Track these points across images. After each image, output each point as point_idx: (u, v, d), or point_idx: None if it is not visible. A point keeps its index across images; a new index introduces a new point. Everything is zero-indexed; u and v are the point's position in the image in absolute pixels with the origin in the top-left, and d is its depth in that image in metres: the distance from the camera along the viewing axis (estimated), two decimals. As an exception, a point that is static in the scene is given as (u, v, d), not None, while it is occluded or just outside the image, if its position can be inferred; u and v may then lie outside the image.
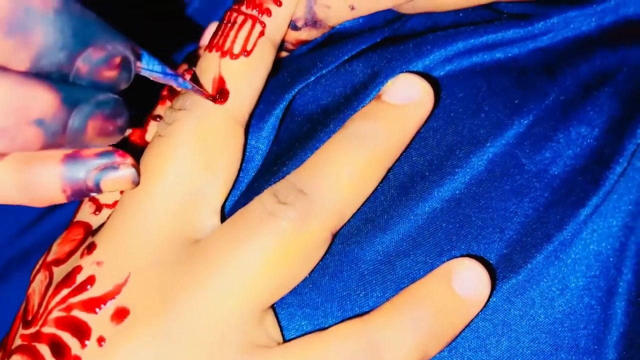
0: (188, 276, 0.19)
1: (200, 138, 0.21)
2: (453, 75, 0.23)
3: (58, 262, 0.21)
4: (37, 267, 0.22)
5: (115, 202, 0.23)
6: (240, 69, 0.21)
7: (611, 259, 0.21)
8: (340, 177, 0.20)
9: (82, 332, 0.19)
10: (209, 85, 0.21)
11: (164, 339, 0.19)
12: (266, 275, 0.19)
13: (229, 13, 0.22)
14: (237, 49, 0.22)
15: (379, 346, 0.18)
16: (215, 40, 0.22)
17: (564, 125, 0.22)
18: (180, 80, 0.21)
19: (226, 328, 0.19)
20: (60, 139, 0.18)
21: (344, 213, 0.20)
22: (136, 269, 0.20)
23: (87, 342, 0.19)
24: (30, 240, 0.32)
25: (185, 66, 0.26)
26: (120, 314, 0.19)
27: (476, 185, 0.22)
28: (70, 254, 0.21)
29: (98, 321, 0.19)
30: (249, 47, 0.22)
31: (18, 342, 0.20)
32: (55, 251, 0.22)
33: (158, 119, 0.24)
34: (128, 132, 0.24)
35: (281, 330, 0.20)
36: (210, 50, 0.22)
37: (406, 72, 0.22)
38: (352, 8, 0.22)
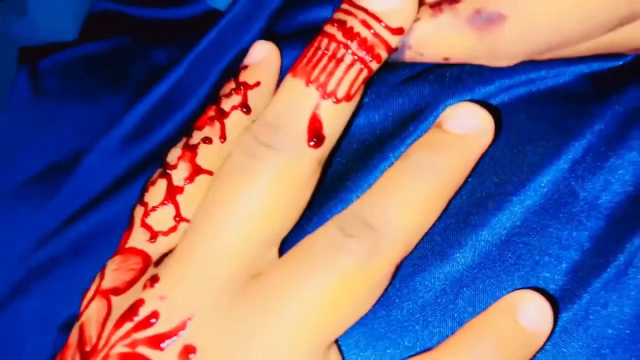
0: (254, 313, 0.19)
1: (285, 183, 0.20)
2: (508, 103, 0.23)
3: (117, 291, 0.21)
4: (91, 293, 0.22)
5: (170, 230, 0.23)
6: (340, 115, 0.20)
7: None
8: (406, 209, 0.19)
9: None
10: (298, 121, 0.20)
11: None
12: (332, 311, 0.19)
13: (327, 40, 0.20)
14: (341, 94, 0.20)
15: None
16: (314, 73, 0.20)
17: (615, 152, 0.22)
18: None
19: None
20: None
21: (409, 245, 0.20)
22: (201, 306, 0.19)
23: None
24: (53, 250, 0.32)
25: (231, 84, 0.25)
26: (188, 352, 0.19)
27: (533, 213, 0.22)
28: (130, 283, 0.21)
29: (165, 358, 0.19)
30: (352, 93, 0.20)
31: None
32: (112, 278, 0.21)
33: (208, 142, 0.23)
34: (177, 153, 0.23)
35: (344, 363, 0.20)
36: (307, 82, 0.20)
37: (466, 100, 0.22)
38: (446, 59, 0.22)
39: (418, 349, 0.21)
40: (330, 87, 0.20)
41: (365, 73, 0.20)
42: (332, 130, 0.20)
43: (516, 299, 0.20)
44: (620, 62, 0.24)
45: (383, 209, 0.19)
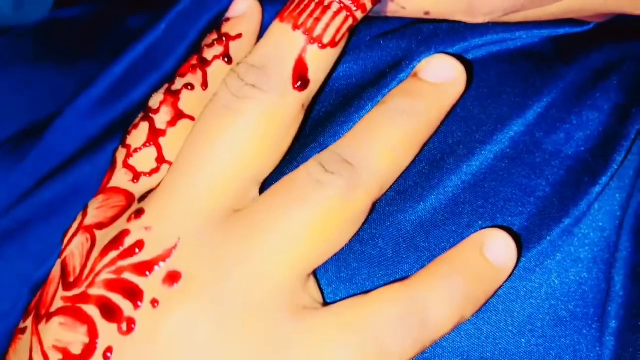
0: (237, 242, 0.20)
1: (269, 124, 0.21)
2: (481, 59, 0.24)
3: (101, 225, 0.21)
4: (72, 230, 0.22)
5: (152, 171, 0.23)
6: (325, 60, 0.21)
7: (612, 236, 0.23)
8: (383, 149, 0.21)
9: (134, 294, 0.19)
10: (284, 63, 0.21)
11: (217, 302, 0.19)
12: (313, 241, 0.20)
13: None
14: (327, 39, 0.21)
15: (424, 309, 0.19)
16: (301, 19, 0.21)
17: (577, 109, 0.24)
18: None
19: (276, 291, 0.20)
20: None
21: (385, 184, 0.21)
22: (185, 235, 0.20)
23: (139, 303, 0.19)
24: (25, 212, 0.32)
25: (214, 35, 0.25)
26: (173, 277, 0.19)
27: (500, 161, 0.23)
28: (114, 219, 0.21)
29: (150, 284, 0.19)
30: (337, 39, 0.21)
31: (59, 303, 0.20)
32: (95, 215, 0.22)
33: (190, 88, 0.24)
34: (160, 98, 0.24)
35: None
36: (294, 27, 0.21)
37: (441, 52, 0.23)
38: (427, 13, 0.23)
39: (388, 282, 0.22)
40: (317, 32, 0.21)
41: (350, 21, 0.21)
42: (317, 74, 0.21)
43: (483, 236, 0.21)
44: (584, 28, 0.25)
45: (361, 148, 0.20)
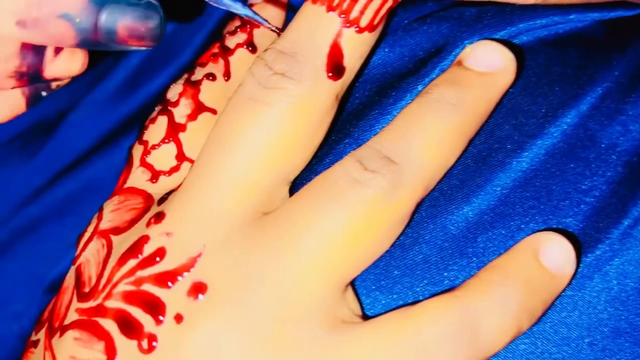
0: (268, 249, 0.18)
1: (300, 117, 0.19)
2: (528, 45, 0.22)
3: (117, 230, 0.20)
4: (87, 235, 0.21)
5: (172, 169, 0.21)
6: (362, 46, 0.19)
7: None
8: (428, 146, 0.19)
9: (155, 308, 0.18)
10: (317, 49, 0.19)
11: (247, 316, 0.17)
12: (351, 247, 0.18)
13: None
14: (364, 22, 0.19)
15: (476, 323, 0.18)
16: None
17: (632, 99, 0.22)
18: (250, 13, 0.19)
19: (310, 304, 0.18)
20: (92, 36, 0.19)
21: (430, 183, 0.19)
22: (210, 241, 0.18)
23: (161, 317, 0.18)
24: (38, 209, 0.30)
25: (237, 22, 0.23)
26: (198, 289, 0.18)
27: (552, 156, 0.21)
28: (132, 222, 0.20)
29: (173, 297, 0.18)
30: (375, 22, 0.19)
31: (74, 316, 0.19)
32: (111, 219, 0.20)
33: (211, 79, 0.22)
34: (179, 89, 0.22)
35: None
36: (329, 8, 0.19)
37: (486, 39, 0.21)
38: None
39: (435, 292, 0.20)
40: (354, 14, 0.19)
41: (390, 2, 0.19)
42: (352, 61, 0.19)
43: (538, 240, 0.19)
44: (634, 13, 0.23)
45: (404, 144, 0.19)
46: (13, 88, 0.21)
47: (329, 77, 0.19)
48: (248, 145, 0.19)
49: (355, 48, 0.19)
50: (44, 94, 0.22)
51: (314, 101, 0.19)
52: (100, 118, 0.31)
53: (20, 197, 0.30)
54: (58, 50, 0.21)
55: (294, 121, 0.19)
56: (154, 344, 0.18)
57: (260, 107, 0.19)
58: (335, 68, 0.19)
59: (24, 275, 0.30)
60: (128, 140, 0.30)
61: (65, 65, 0.21)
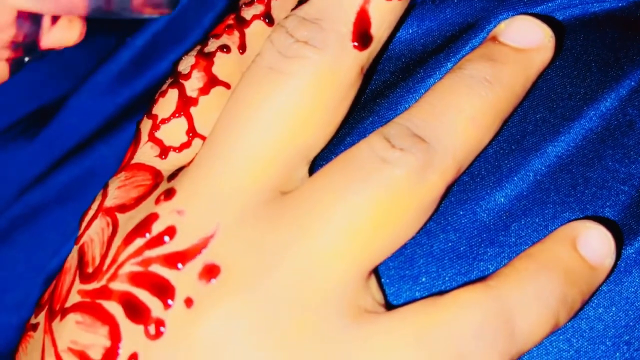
0: (286, 231, 0.17)
1: (322, 89, 0.17)
2: (565, 23, 0.21)
3: (123, 207, 0.18)
4: (91, 212, 0.19)
5: (183, 145, 0.20)
6: (391, 14, 0.18)
7: None
8: (462, 124, 0.17)
9: (164, 290, 0.16)
10: (343, 16, 0.17)
11: (263, 302, 0.16)
12: (376, 231, 0.17)
13: None
14: None
15: (510, 315, 0.16)
16: None
17: None
18: None
19: (331, 291, 0.16)
20: (105, 5, 0.18)
21: (462, 164, 0.18)
22: (225, 221, 0.17)
23: (170, 301, 0.16)
24: (38, 197, 0.29)
25: None
26: (210, 272, 0.16)
27: (589, 142, 0.20)
28: (139, 200, 0.18)
29: (183, 279, 0.16)
30: None
31: (76, 298, 0.17)
32: (117, 195, 0.19)
33: (226, 51, 0.21)
34: (191, 61, 0.21)
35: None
36: None
37: (522, 13, 0.20)
38: None
39: (463, 282, 0.18)
40: None
41: None
42: (381, 30, 0.18)
43: (576, 229, 0.18)
44: None
45: (436, 122, 0.17)
46: (8, 60, 0.20)
47: (355, 46, 0.18)
48: (266, 118, 0.17)
49: (384, 16, 0.18)
50: (26, 59, 0.21)
51: (338, 72, 0.17)
52: (103, 101, 0.30)
53: (20, 183, 0.29)
54: (55, 19, 0.19)
55: (316, 93, 0.17)
56: (162, 329, 0.16)
57: (280, 77, 0.17)
58: (362, 37, 0.18)
59: (23, 264, 0.29)
60: (132, 124, 0.29)
61: (63, 34, 0.20)
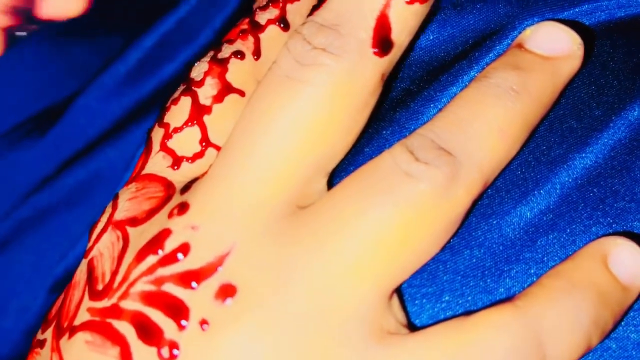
0: (306, 248, 0.16)
1: (342, 97, 0.17)
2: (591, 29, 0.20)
3: (134, 221, 0.18)
4: (101, 225, 0.19)
5: (196, 155, 0.19)
6: (412, 19, 0.17)
7: None
8: (489, 135, 0.17)
9: (178, 311, 0.16)
10: (363, 21, 0.17)
11: (282, 324, 0.15)
12: (399, 248, 0.16)
13: None
14: None
15: (541, 338, 0.16)
16: None
17: None
18: None
19: (353, 312, 0.16)
20: None
21: (488, 178, 0.17)
22: (241, 238, 0.16)
23: (184, 322, 0.16)
24: (45, 199, 0.29)
25: None
26: (226, 292, 0.16)
27: (618, 153, 0.19)
28: (151, 213, 0.18)
29: (198, 299, 0.16)
30: None
31: (85, 316, 0.17)
32: (128, 208, 0.18)
33: (240, 57, 0.20)
34: (204, 68, 0.20)
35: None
36: None
37: (549, 19, 0.19)
38: None
39: (488, 301, 0.18)
40: None
41: None
42: (402, 36, 0.17)
43: (606, 245, 0.17)
44: None
45: (461, 133, 0.16)
46: (4, 29, 0.19)
47: (375, 53, 0.17)
48: (283, 128, 0.17)
49: (405, 21, 0.17)
50: (19, 34, 0.20)
51: (358, 80, 0.17)
52: (111, 103, 0.30)
53: (27, 185, 0.29)
54: None
55: (335, 102, 0.17)
56: (175, 352, 0.15)
57: (297, 85, 0.17)
58: (383, 43, 0.17)
59: (30, 267, 0.28)
60: (141, 127, 0.29)
61: (64, 3, 0.18)
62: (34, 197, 0.28)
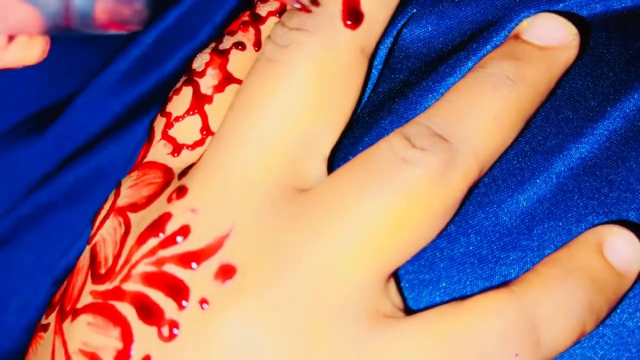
0: (304, 230, 0.16)
1: (321, 69, 0.17)
2: (587, 20, 0.20)
3: (135, 207, 0.18)
4: (104, 212, 0.19)
5: (196, 143, 0.20)
6: None
7: None
8: (485, 124, 0.17)
9: (178, 291, 0.16)
10: None
11: (280, 304, 0.16)
12: (396, 233, 0.16)
13: None
14: None
15: (535, 323, 0.16)
16: None
17: None
18: None
19: (350, 294, 0.16)
20: (63, 22, 0.16)
21: (484, 165, 0.17)
22: (241, 219, 0.16)
23: (184, 302, 0.16)
24: (46, 197, 0.29)
25: None
26: (226, 272, 0.16)
27: (614, 143, 0.19)
28: (150, 198, 0.18)
29: (198, 280, 0.16)
30: None
31: (88, 299, 0.17)
32: (129, 195, 0.18)
33: (241, 48, 0.20)
34: (205, 59, 0.20)
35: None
36: None
37: (545, 11, 0.19)
38: None
39: (485, 288, 0.18)
40: None
41: None
42: (373, 9, 0.18)
43: (602, 233, 0.17)
44: None
45: (458, 121, 0.17)
46: None
47: (347, 25, 0.17)
48: (272, 108, 0.17)
49: None
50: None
51: (334, 54, 0.17)
52: (111, 100, 0.30)
53: (28, 183, 0.29)
54: (12, 37, 0.18)
55: (315, 77, 0.17)
56: (175, 331, 0.16)
57: (278, 66, 0.17)
58: (352, 14, 0.17)
59: (31, 265, 0.28)
60: (141, 124, 0.29)
61: (22, 53, 0.19)
62: (35, 195, 0.29)
